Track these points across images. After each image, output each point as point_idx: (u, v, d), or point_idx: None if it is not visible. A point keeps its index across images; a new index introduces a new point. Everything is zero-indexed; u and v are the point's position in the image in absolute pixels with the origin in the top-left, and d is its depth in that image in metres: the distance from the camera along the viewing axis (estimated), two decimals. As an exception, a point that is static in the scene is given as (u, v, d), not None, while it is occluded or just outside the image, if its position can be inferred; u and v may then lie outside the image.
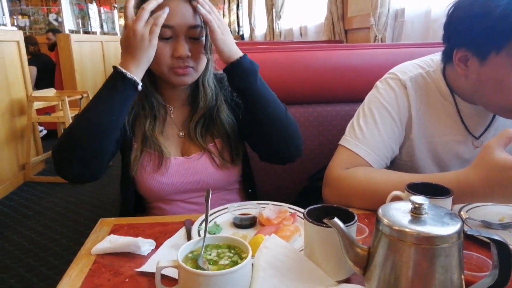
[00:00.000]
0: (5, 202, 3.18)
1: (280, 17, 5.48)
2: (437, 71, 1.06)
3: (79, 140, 0.92)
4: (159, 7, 0.95)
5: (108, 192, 3.25)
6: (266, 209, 0.87)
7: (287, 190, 1.39)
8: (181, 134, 1.13)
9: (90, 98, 3.38)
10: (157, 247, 0.80)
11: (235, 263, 0.62)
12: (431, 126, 1.07)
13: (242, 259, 0.63)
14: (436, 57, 1.09)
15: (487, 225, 0.86)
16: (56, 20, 8.23)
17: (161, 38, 0.97)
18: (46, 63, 5.32)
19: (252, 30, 7.36)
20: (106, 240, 0.79)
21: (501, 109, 0.97)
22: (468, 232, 0.56)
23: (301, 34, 4.69)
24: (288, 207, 0.91)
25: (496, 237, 0.56)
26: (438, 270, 0.53)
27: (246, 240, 0.75)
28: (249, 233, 0.83)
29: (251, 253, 0.63)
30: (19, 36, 3.68)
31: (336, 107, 1.41)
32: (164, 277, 0.66)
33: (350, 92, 1.41)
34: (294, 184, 1.41)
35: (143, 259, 0.75)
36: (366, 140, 1.02)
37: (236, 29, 9.78)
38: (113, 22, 8.25)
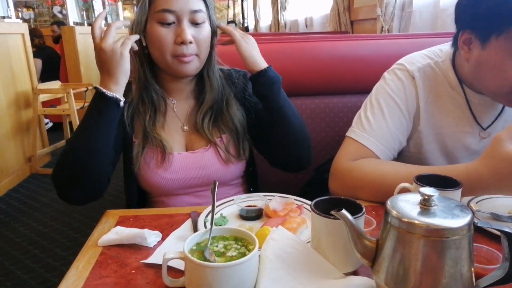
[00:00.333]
0: (11, 195, 3.20)
1: (285, 8, 5.43)
2: (446, 61, 1.04)
3: (73, 166, 0.91)
4: None
5: (114, 184, 3.25)
6: (273, 201, 0.87)
7: (293, 181, 1.39)
8: (185, 128, 1.10)
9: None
10: (163, 238, 0.79)
11: (243, 255, 0.62)
12: (439, 117, 1.05)
13: (249, 251, 0.63)
14: (445, 47, 1.07)
15: (496, 217, 0.85)
16: (61, 12, 8.22)
17: (163, 24, 0.96)
18: (51, 55, 5.32)
19: (257, 21, 7.32)
20: (112, 231, 0.79)
21: (494, 94, 0.96)
22: (478, 224, 0.55)
23: (306, 26, 4.66)
24: (295, 199, 0.91)
25: (507, 230, 0.55)
26: (448, 263, 0.52)
27: (252, 232, 0.75)
28: (256, 225, 0.83)
29: (258, 245, 0.63)
30: (24, 28, 3.68)
31: (343, 98, 1.40)
32: (170, 269, 0.66)
33: (357, 83, 1.39)
34: (300, 175, 1.40)
35: (149, 250, 0.75)
36: (374, 131, 1.01)
37: (241, 20, 9.73)
38: (117, 15, 8.23)
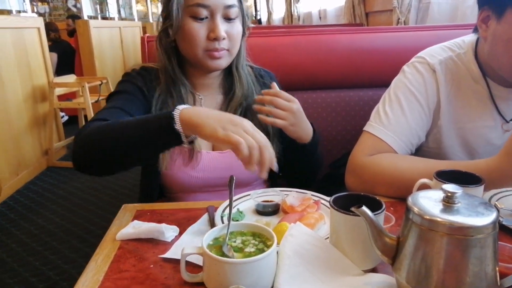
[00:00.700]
0: (29, 187, 3.26)
1: (298, 0, 5.38)
2: (469, 52, 1.01)
3: (104, 154, 0.81)
4: None
5: (128, 177, 3.30)
6: (290, 196, 0.86)
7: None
8: None
9: (110, 85, 3.36)
10: (180, 233, 0.80)
11: (261, 251, 0.62)
12: (461, 112, 1.03)
13: (267, 246, 0.63)
14: (467, 38, 1.04)
15: (519, 214, 0.83)
16: (75, 6, 8.28)
17: (196, 18, 0.94)
18: (66, 49, 5.37)
19: (269, 14, 7.26)
20: (130, 226, 0.80)
21: (510, 71, 0.93)
22: (503, 223, 0.54)
23: (320, 18, 4.61)
24: (312, 195, 0.90)
25: (534, 228, 0.54)
26: (472, 262, 0.51)
27: (269, 227, 0.75)
28: (272, 220, 0.82)
29: (276, 241, 0.62)
30: (40, 22, 3.72)
31: (359, 92, 1.38)
32: (188, 264, 0.66)
33: (374, 77, 1.37)
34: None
35: (167, 245, 0.76)
36: (392, 126, 0.99)
37: (254, 13, 9.67)
38: (130, 8, 8.25)
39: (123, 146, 0.79)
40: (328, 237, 0.72)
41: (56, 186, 3.26)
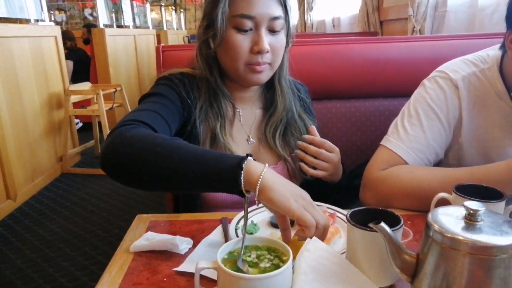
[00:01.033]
0: (44, 193, 3.30)
1: (312, 8, 5.38)
2: (493, 68, 0.97)
3: (148, 173, 0.72)
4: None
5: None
6: (305, 209, 0.85)
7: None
8: (251, 140, 1.03)
9: (124, 92, 3.38)
10: (194, 245, 0.79)
11: (276, 266, 0.61)
12: (484, 130, 0.99)
13: (283, 262, 0.62)
14: (491, 52, 1.00)
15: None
16: (91, 14, 8.44)
17: (240, 30, 0.90)
18: (82, 57, 5.46)
19: (282, 22, 7.27)
20: (143, 237, 0.79)
21: None
22: (529, 242, 0.52)
23: (333, 26, 4.59)
24: (327, 207, 0.89)
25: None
26: (495, 282, 0.50)
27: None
28: (287, 233, 0.81)
29: (292, 256, 0.61)
30: (57, 31, 3.79)
31: (374, 102, 1.37)
32: (202, 277, 0.65)
33: (389, 87, 1.36)
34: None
35: (180, 257, 0.75)
36: (410, 142, 0.96)
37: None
38: (145, 16, 8.37)
39: (176, 177, 0.71)
40: (344, 252, 0.70)
41: (70, 193, 3.29)
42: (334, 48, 1.39)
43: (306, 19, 5.56)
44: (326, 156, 0.96)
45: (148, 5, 8.03)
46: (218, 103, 0.99)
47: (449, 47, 1.34)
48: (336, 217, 0.85)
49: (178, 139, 0.77)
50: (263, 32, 0.90)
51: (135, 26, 7.36)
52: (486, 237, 0.50)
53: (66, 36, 5.23)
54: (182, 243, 0.77)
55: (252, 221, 0.86)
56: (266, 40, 0.91)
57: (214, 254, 0.62)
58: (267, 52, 0.91)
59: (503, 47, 0.94)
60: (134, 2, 8.15)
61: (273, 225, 0.85)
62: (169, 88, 0.96)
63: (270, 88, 1.05)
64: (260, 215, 0.89)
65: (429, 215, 0.57)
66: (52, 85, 3.65)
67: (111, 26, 5.87)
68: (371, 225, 0.59)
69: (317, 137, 0.97)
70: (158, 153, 0.71)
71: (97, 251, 2.35)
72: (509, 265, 0.49)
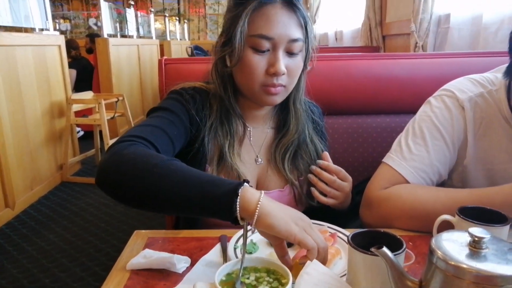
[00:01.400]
0: (43, 202, 3.28)
1: (315, 21, 5.42)
2: (501, 90, 0.94)
3: (144, 193, 0.71)
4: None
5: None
6: (305, 228, 0.84)
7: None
8: (259, 160, 1.00)
9: (126, 102, 3.38)
10: (192, 264, 0.78)
11: (275, 290, 0.59)
12: (490, 152, 0.96)
13: (282, 285, 0.61)
14: (500, 74, 0.97)
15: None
16: (96, 24, 8.50)
17: (257, 50, 0.87)
18: (86, 66, 5.49)
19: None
20: (140, 255, 0.78)
21: None
22: (535, 271, 0.51)
23: (336, 39, 4.62)
24: (328, 227, 0.87)
25: None
26: (501, 313, 0.48)
27: (284, 262, 0.72)
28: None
29: (292, 279, 0.60)
30: (61, 40, 3.81)
31: (376, 118, 1.36)
32: (199, 299, 0.63)
33: (392, 104, 1.35)
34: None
35: (178, 276, 0.73)
36: (413, 161, 0.94)
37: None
38: (149, 26, 8.42)
39: (170, 200, 0.70)
40: (345, 274, 0.69)
41: (69, 202, 3.27)
42: (336, 64, 1.39)
43: (309, 32, 5.58)
44: (339, 185, 0.95)
45: (152, 16, 8.09)
46: (229, 122, 0.97)
47: (453, 65, 1.33)
48: (337, 237, 0.84)
49: (176, 160, 0.75)
50: (281, 53, 0.88)
51: (139, 36, 7.40)
52: (491, 265, 0.49)
53: (71, 45, 5.27)
54: (180, 262, 0.75)
55: (251, 240, 0.84)
56: (283, 62, 0.88)
57: (212, 274, 0.60)
58: (283, 74, 0.89)
59: (507, 75, 0.91)
60: (138, 12, 8.21)
61: (273, 244, 0.84)
62: (178, 104, 0.95)
63: (284, 109, 1.03)
64: (259, 234, 0.87)
65: (433, 241, 0.55)
66: (54, 94, 3.66)
67: (115, 36, 5.90)
68: (372, 249, 0.57)
69: (331, 164, 0.96)
70: (154, 173, 0.70)
71: (94, 262, 2.33)
72: (515, 296, 0.48)
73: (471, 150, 0.97)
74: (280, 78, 0.89)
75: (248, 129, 1.01)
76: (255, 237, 0.86)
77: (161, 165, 0.71)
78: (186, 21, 11.46)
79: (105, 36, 4.95)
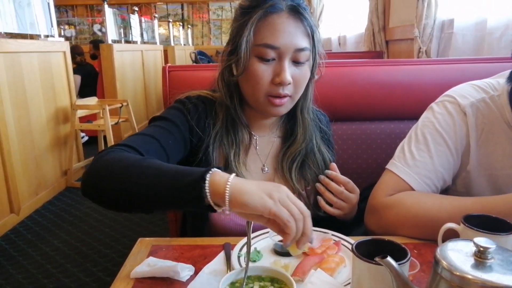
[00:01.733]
0: (47, 207, 3.29)
1: (318, 26, 5.42)
2: (503, 95, 0.94)
3: (120, 195, 0.72)
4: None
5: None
6: (309, 236, 0.83)
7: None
8: (266, 169, 1.00)
9: (130, 107, 3.40)
10: (196, 272, 0.77)
11: (279, 300, 0.59)
12: (493, 158, 0.96)
13: (286, 294, 0.60)
14: (502, 80, 0.97)
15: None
16: (100, 30, 8.57)
17: (262, 59, 0.87)
18: (90, 72, 5.52)
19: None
20: (144, 263, 0.78)
21: None
22: (541, 282, 0.50)
23: (339, 44, 4.62)
24: (332, 235, 0.87)
25: None
26: (507, 324, 0.48)
27: (288, 269, 0.72)
28: (291, 261, 0.79)
29: (296, 288, 0.60)
30: (66, 47, 3.84)
31: (381, 124, 1.36)
32: (203, 308, 0.63)
33: (396, 110, 1.35)
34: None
35: (182, 285, 0.73)
36: (417, 167, 0.94)
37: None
38: (153, 31, 8.48)
39: (145, 195, 0.70)
40: (349, 283, 0.69)
41: (74, 207, 3.28)
42: (340, 70, 1.39)
43: (312, 37, 5.59)
44: (347, 196, 0.94)
45: (156, 21, 8.14)
46: (234, 130, 0.96)
47: (457, 71, 1.33)
48: (341, 245, 0.84)
49: (151, 159, 0.76)
50: (286, 63, 0.87)
51: (143, 42, 7.44)
52: (497, 276, 0.49)
53: (76, 51, 5.30)
54: (184, 270, 0.75)
55: (255, 248, 0.84)
56: (289, 71, 0.87)
57: (216, 282, 0.61)
58: (289, 84, 0.88)
59: (509, 80, 0.91)
60: (142, 18, 8.26)
61: (277, 252, 0.83)
62: (179, 113, 0.95)
63: (291, 118, 1.02)
64: (263, 242, 0.87)
65: (438, 251, 0.55)
66: (59, 100, 3.68)
67: (119, 41, 5.94)
68: (377, 259, 0.57)
69: (340, 174, 0.96)
70: (129, 172, 0.71)
71: (98, 268, 2.33)
72: (521, 307, 0.48)
73: (474, 155, 0.96)
74: (286, 87, 0.88)
75: (254, 138, 1.01)
76: (259, 245, 0.86)
77: (135, 164, 0.72)
78: (189, 26, 11.52)
79: (110, 42, 4.98)
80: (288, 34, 0.86)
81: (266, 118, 1.00)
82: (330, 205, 0.96)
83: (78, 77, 5.15)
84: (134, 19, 6.92)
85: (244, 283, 0.62)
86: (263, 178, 1.01)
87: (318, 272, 0.64)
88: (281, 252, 0.83)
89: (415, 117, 1.06)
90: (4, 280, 2.23)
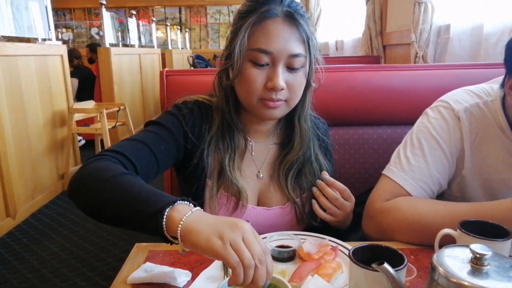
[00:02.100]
0: (44, 211, 3.28)
1: (315, 30, 5.45)
2: (496, 101, 0.96)
3: (96, 206, 0.75)
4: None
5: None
6: (306, 242, 0.84)
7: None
8: (261, 175, 0.99)
9: (127, 111, 3.40)
10: (192, 278, 0.77)
11: (276, 306, 0.59)
12: (487, 162, 0.97)
13: (283, 301, 0.60)
14: (495, 85, 0.98)
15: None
16: (98, 33, 8.57)
17: (256, 64, 0.87)
18: (88, 75, 5.52)
19: (286, 43, 7.34)
20: (141, 268, 0.78)
21: None
22: (537, 288, 0.50)
23: (336, 49, 4.64)
24: (329, 240, 0.87)
25: None
26: (503, 331, 0.48)
27: (285, 275, 0.72)
28: (288, 267, 0.79)
29: (293, 295, 0.59)
30: (63, 50, 3.83)
31: (377, 129, 1.36)
32: (200, 315, 0.63)
33: (392, 115, 1.36)
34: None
35: (178, 291, 0.73)
36: (413, 172, 0.95)
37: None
38: (150, 35, 8.48)
39: (113, 214, 0.72)
40: (346, 289, 0.69)
41: (70, 211, 3.27)
42: (337, 75, 1.39)
43: (309, 41, 5.60)
44: (341, 203, 0.94)
45: (153, 25, 8.14)
46: (230, 135, 0.96)
47: (453, 76, 1.34)
48: (338, 251, 0.84)
49: (131, 175, 0.76)
50: (280, 68, 0.87)
51: (141, 45, 7.44)
52: (493, 283, 0.49)
53: (73, 54, 5.30)
54: (181, 276, 0.75)
55: (252, 253, 0.84)
56: (283, 77, 0.87)
57: (212, 289, 0.60)
58: (282, 89, 0.87)
59: (503, 87, 0.92)
60: (140, 22, 8.27)
61: (274, 258, 0.83)
62: (174, 119, 0.95)
63: (288, 126, 1.02)
64: (260, 247, 0.87)
65: (434, 257, 0.55)
66: (56, 103, 3.67)
67: (117, 45, 5.94)
68: (374, 265, 0.57)
69: (337, 182, 0.96)
70: (104, 187, 0.72)
71: (95, 272, 2.32)
72: (517, 314, 0.48)
73: (468, 160, 0.97)
74: (279, 93, 0.88)
75: (250, 143, 1.00)
76: (256, 250, 0.86)
77: (111, 180, 0.73)
78: (187, 30, 11.53)
79: (107, 45, 4.98)
80: (282, 39, 0.86)
81: (262, 123, 1.00)
82: (325, 210, 0.96)
83: (75, 81, 5.15)
84: (132, 22, 6.93)
85: (241, 290, 0.62)
86: (258, 184, 1.00)
87: (315, 278, 0.64)
88: (278, 258, 0.83)
89: (412, 122, 1.06)
90: (0, 285, 2.21)
